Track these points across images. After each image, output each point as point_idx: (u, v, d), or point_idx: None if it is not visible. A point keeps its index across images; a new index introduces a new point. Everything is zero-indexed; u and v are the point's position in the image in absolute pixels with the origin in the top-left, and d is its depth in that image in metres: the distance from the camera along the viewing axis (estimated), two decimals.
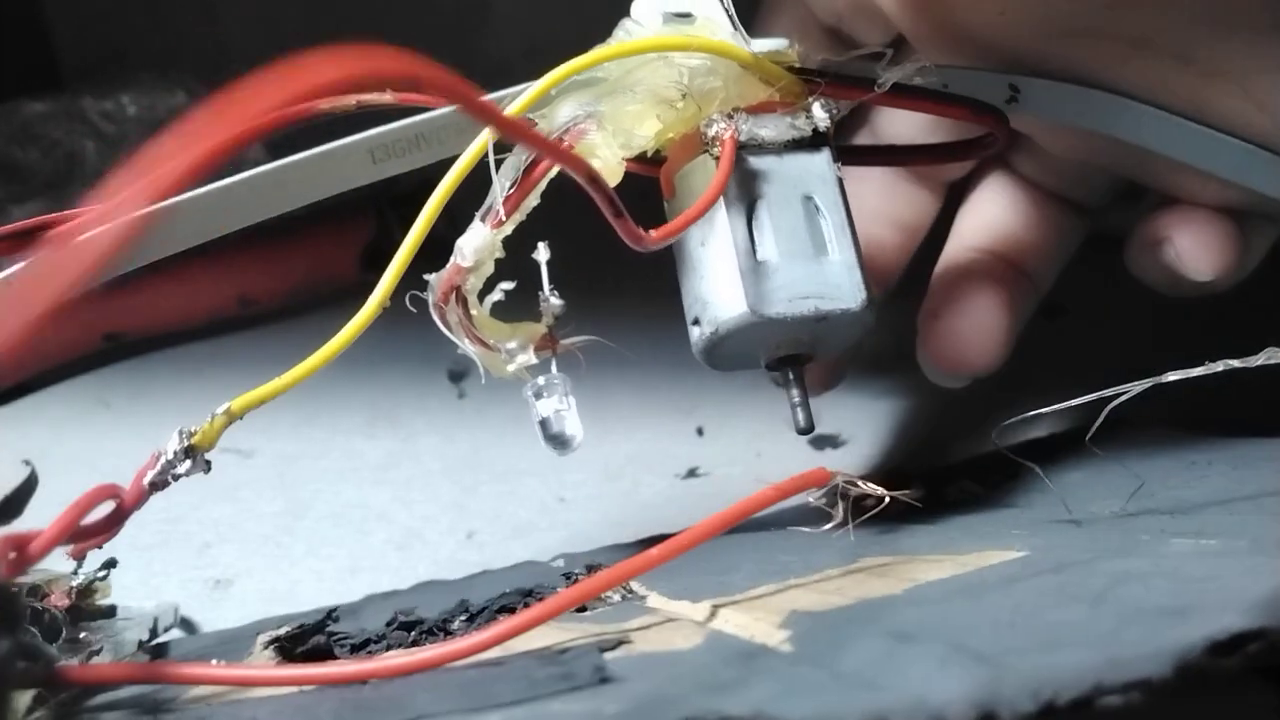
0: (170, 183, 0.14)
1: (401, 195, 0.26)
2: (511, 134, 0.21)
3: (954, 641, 0.18)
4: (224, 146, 0.15)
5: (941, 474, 0.34)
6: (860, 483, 0.25)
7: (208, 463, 0.22)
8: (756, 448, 0.42)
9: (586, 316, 0.29)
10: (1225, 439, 0.31)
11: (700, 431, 0.42)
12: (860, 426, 0.42)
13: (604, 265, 0.34)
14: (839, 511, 0.26)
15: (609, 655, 0.20)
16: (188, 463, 0.22)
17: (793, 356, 0.28)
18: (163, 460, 0.21)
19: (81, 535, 0.19)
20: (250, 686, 0.20)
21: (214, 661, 0.21)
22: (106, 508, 0.20)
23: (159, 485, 0.21)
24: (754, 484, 0.40)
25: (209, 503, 0.39)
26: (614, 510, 0.39)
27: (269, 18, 0.62)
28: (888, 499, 0.25)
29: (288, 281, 0.50)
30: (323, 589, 0.35)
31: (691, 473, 0.40)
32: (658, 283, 0.30)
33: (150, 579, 0.35)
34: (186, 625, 0.32)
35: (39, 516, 0.21)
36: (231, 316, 0.50)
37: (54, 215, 0.26)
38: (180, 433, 0.22)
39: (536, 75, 0.26)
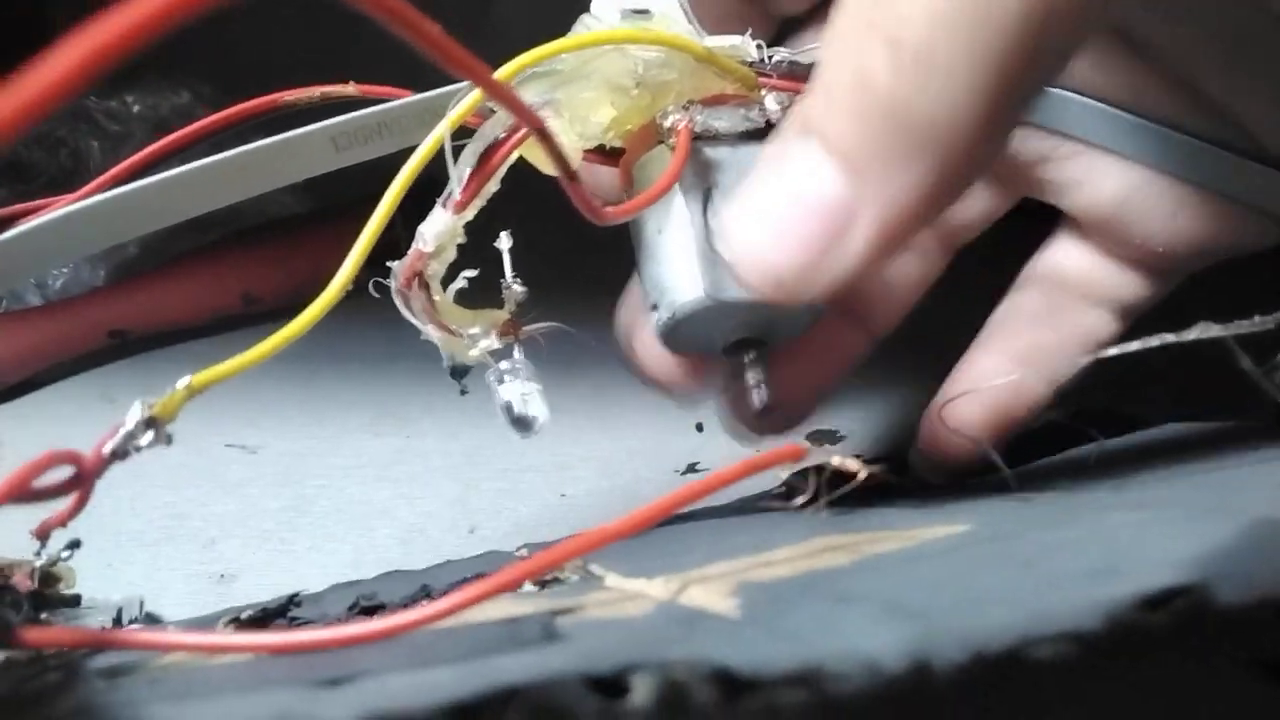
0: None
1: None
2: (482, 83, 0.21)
3: (888, 601, 0.18)
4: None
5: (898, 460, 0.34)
6: (835, 458, 0.25)
7: (169, 436, 0.22)
8: (756, 443, 0.42)
9: (586, 314, 0.29)
10: (1168, 423, 0.31)
11: (700, 427, 0.43)
12: (859, 422, 0.43)
13: (606, 263, 0.34)
14: (810, 486, 0.25)
15: (561, 620, 0.20)
16: (149, 434, 0.22)
17: (748, 340, 0.28)
18: (123, 431, 0.22)
19: (35, 495, 0.19)
20: (211, 655, 0.21)
21: (169, 627, 0.21)
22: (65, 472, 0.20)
23: (120, 455, 0.22)
24: (751, 480, 0.41)
25: (214, 498, 0.39)
26: (614, 506, 0.39)
27: (271, 17, 0.62)
28: (863, 474, 0.25)
29: (291, 279, 0.50)
30: (327, 584, 0.35)
31: (691, 468, 0.41)
32: None
33: (155, 574, 0.35)
34: (151, 619, 0.33)
35: (42, 511, 0.22)
36: (235, 314, 0.50)
37: (35, 203, 0.26)
38: (141, 403, 0.22)
39: None
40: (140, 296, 0.48)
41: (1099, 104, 0.29)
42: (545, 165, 0.26)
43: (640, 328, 0.31)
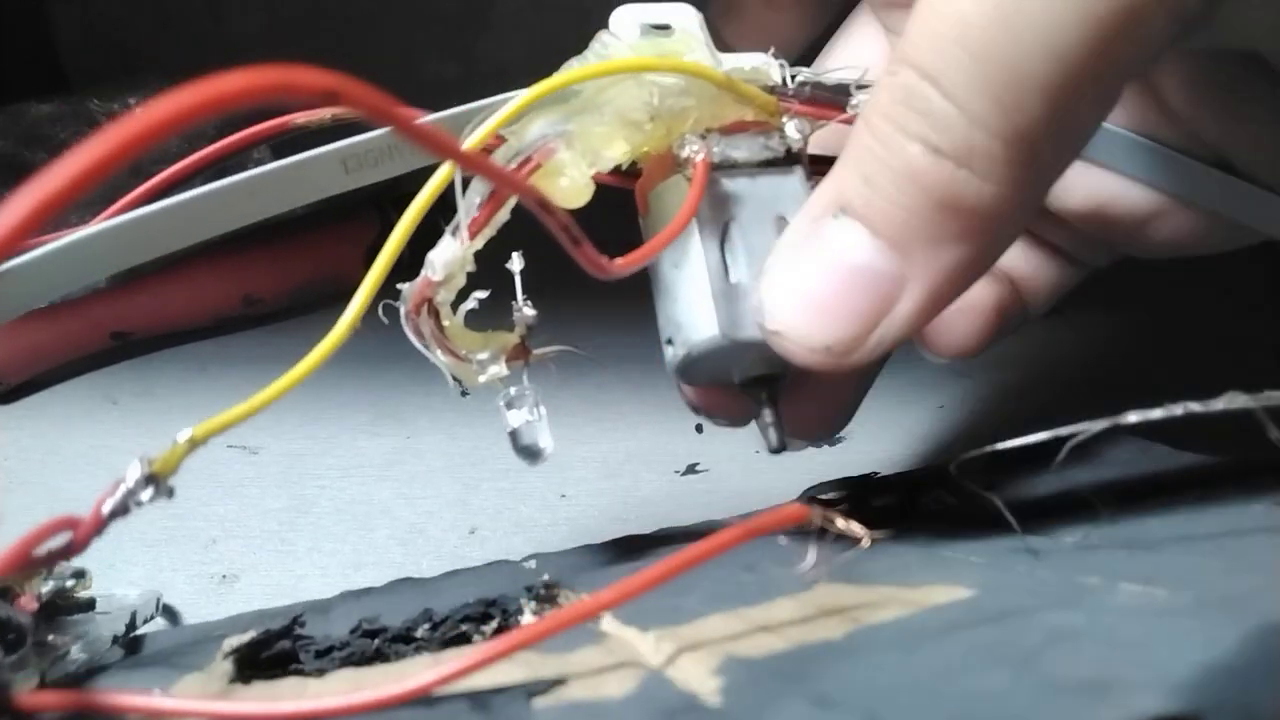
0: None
1: (405, 195, 0.27)
2: (436, 150, 0.21)
3: (869, 712, 0.18)
4: (131, 153, 0.15)
5: (918, 481, 0.34)
6: (839, 520, 0.25)
7: (170, 489, 0.23)
8: (756, 444, 0.42)
9: (585, 313, 0.29)
10: (1196, 460, 0.31)
11: (700, 428, 0.42)
12: (858, 423, 0.42)
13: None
14: (811, 553, 0.25)
15: (538, 701, 0.20)
16: (150, 490, 0.22)
17: (766, 377, 0.28)
18: (123, 489, 0.22)
19: (33, 565, 0.20)
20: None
21: (155, 691, 0.22)
22: (64, 537, 0.21)
23: (119, 513, 0.22)
24: (753, 480, 0.41)
25: (215, 499, 0.40)
26: (614, 506, 0.39)
27: (274, 20, 0.62)
28: (866, 542, 0.25)
29: (292, 281, 0.51)
30: (327, 584, 0.35)
31: (691, 469, 0.41)
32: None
33: (157, 574, 0.36)
34: (170, 614, 0.33)
35: (44, 511, 0.22)
36: (237, 315, 0.51)
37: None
38: (141, 460, 0.22)
39: (537, 77, 0.26)
40: (142, 298, 0.49)
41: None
42: (559, 198, 0.26)
43: None
